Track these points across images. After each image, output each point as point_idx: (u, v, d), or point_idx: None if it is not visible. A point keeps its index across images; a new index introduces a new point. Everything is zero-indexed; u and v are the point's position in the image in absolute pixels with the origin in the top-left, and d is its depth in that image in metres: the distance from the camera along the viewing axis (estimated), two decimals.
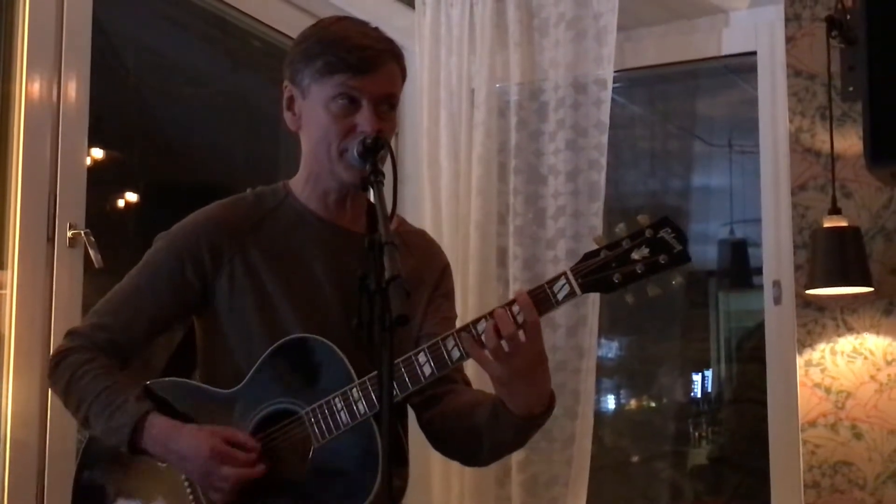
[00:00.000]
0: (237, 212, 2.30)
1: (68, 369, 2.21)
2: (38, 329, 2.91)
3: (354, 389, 2.07)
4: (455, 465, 3.88)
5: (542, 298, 2.01)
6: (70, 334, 2.28)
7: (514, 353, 1.98)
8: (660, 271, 1.98)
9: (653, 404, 5.17)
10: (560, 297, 2.01)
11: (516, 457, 3.82)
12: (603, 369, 4.66)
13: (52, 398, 2.89)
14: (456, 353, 2.04)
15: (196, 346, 2.34)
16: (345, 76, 2.14)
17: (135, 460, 2.20)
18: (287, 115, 2.27)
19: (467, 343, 2.02)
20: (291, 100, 2.25)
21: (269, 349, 2.16)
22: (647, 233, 1.99)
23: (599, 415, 4.51)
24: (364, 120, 2.14)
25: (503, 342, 1.98)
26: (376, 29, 2.24)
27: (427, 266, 2.37)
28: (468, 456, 2.32)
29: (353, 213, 2.26)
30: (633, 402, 5.25)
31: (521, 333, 1.98)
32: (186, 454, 2.11)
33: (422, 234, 2.49)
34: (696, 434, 5.08)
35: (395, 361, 1.99)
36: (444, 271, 2.42)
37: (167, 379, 2.29)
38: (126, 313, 2.26)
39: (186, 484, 2.18)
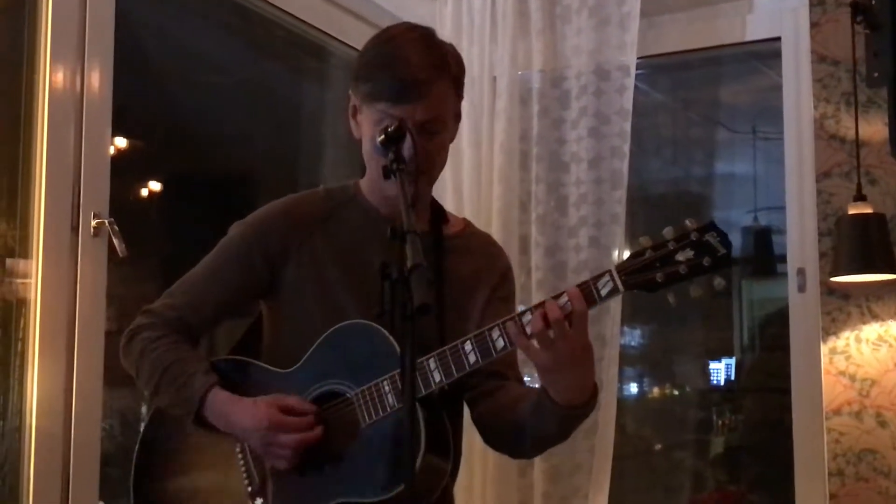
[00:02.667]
0: (307, 205, 2.40)
1: (140, 343, 2.33)
2: (63, 319, 2.92)
3: None
4: (477, 455, 3.89)
5: (585, 293, 2.04)
6: (144, 312, 2.39)
7: (559, 340, 2.01)
8: (703, 273, 2.02)
9: (675, 392, 5.16)
10: (603, 293, 2.04)
11: None
12: (625, 358, 4.65)
13: (76, 388, 2.91)
14: (500, 343, 2.08)
15: (262, 332, 2.44)
16: (386, 104, 2.20)
17: (194, 433, 2.30)
18: (351, 123, 2.35)
19: (512, 331, 2.06)
20: (355, 109, 2.33)
21: (326, 333, 2.24)
22: (693, 236, 2.03)
23: (622, 403, 4.50)
24: (405, 147, 2.16)
25: (550, 331, 2.01)
26: (429, 46, 2.26)
27: (487, 268, 2.43)
28: (514, 449, 2.38)
29: (419, 214, 2.28)
30: (655, 391, 5.24)
31: (567, 323, 2.01)
32: (247, 426, 2.21)
33: (485, 237, 2.56)
34: (719, 422, 5.06)
35: (443, 349, 2.10)
36: (505, 275, 2.47)
37: (230, 357, 2.41)
38: (197, 295, 2.38)
39: (240, 456, 2.29)
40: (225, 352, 2.47)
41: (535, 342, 2.04)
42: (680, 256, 2.02)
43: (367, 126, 2.26)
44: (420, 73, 2.20)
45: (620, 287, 2.04)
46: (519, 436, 2.24)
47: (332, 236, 2.34)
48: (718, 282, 2.03)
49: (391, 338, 2.14)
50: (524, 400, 2.22)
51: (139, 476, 2.39)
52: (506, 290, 2.45)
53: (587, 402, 2.13)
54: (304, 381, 2.25)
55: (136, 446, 2.42)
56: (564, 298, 2.03)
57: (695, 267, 2.01)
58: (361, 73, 2.26)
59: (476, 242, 2.47)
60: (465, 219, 2.54)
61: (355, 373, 2.19)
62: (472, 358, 2.10)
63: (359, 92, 2.27)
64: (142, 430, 2.45)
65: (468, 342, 2.10)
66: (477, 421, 2.37)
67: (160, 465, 2.39)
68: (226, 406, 2.24)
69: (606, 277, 2.04)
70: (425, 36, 2.28)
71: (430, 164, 2.26)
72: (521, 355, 2.19)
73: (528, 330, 2.04)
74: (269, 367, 2.33)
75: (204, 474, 2.35)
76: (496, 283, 2.42)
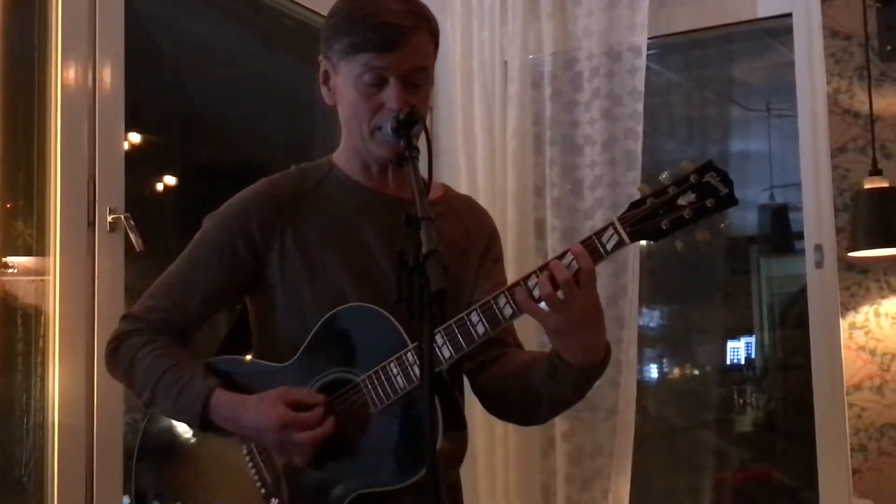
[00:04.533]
0: (284, 187, 2.30)
1: (128, 352, 2.22)
2: (82, 314, 2.93)
3: (409, 354, 2.07)
4: (499, 437, 3.90)
5: (590, 249, 1.99)
6: (125, 318, 2.30)
7: (569, 300, 1.97)
8: (708, 215, 1.97)
9: (696, 372, 5.16)
10: (609, 247, 2.00)
11: (560, 427, 3.83)
12: (645, 339, 4.65)
13: (98, 382, 2.93)
14: (508, 311, 2.02)
15: (248, 329, 2.35)
16: (369, 55, 2.12)
17: (200, 437, 2.24)
18: (323, 90, 2.27)
19: (520, 297, 2.00)
20: (326, 74, 2.25)
21: (322, 320, 2.17)
22: (693, 178, 1.97)
23: (642, 384, 4.51)
24: (391, 97, 2.12)
25: (559, 292, 1.96)
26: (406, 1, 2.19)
27: (476, 231, 2.38)
28: (524, 415, 2.30)
29: (397, 180, 2.25)
30: (675, 371, 5.24)
31: (575, 283, 1.97)
32: (259, 427, 2.12)
33: (467, 200, 2.49)
34: (741, 401, 5.06)
35: (449, 322, 2.02)
36: (493, 236, 2.42)
37: (223, 357, 2.31)
38: (179, 293, 2.27)
39: (248, 458, 2.20)
40: (210, 353, 2.35)
41: (543, 305, 1.99)
42: (682, 201, 1.97)
43: (347, 84, 2.17)
44: (403, 20, 2.12)
45: (626, 238, 1.99)
46: (534, 401, 2.19)
47: (314, 215, 2.25)
48: (701, 233, 1.98)
49: (391, 317, 2.09)
50: (534, 364, 2.16)
51: (141, 485, 2.34)
52: (496, 251, 2.40)
53: (602, 360, 2.10)
54: (306, 371, 2.17)
55: (136, 450, 2.35)
56: (569, 257, 1.98)
57: (699, 209, 1.96)
58: (338, 30, 2.16)
59: (459, 206, 2.39)
60: (443, 184, 2.45)
61: (358, 358, 2.14)
62: (480, 329, 2.03)
63: (334, 50, 2.18)
64: (140, 434, 2.36)
65: (474, 313, 2.04)
66: (480, 390, 2.30)
67: (163, 473, 2.32)
68: (233, 408, 2.15)
69: (610, 231, 2.00)
70: None
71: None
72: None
73: (536, 294, 1.99)
74: (265, 362, 2.25)
75: (212, 481, 2.27)
76: (486, 245, 2.37)
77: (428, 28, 2.19)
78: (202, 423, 2.16)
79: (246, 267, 2.26)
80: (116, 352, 2.25)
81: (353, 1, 2.18)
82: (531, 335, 3.87)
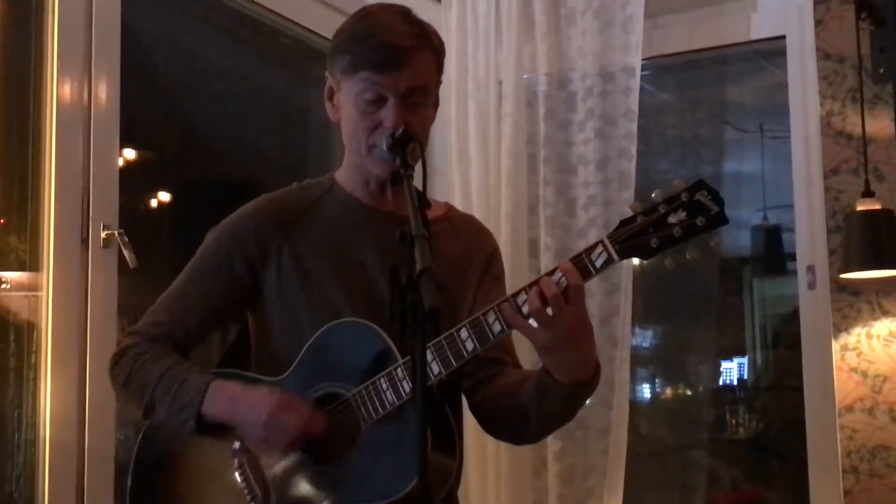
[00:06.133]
0: (284, 203, 2.33)
1: (128, 363, 2.24)
2: (75, 330, 2.93)
3: (399, 369, 2.07)
4: (491, 457, 3.89)
5: (580, 266, 2.00)
6: (129, 334, 2.31)
7: (557, 316, 1.96)
8: (698, 233, 1.96)
9: (688, 392, 5.16)
10: (598, 264, 2.00)
11: (552, 447, 3.82)
12: (637, 358, 4.66)
13: (90, 399, 2.92)
14: (497, 327, 2.02)
15: (249, 342, 2.36)
16: (368, 73, 2.15)
17: (192, 446, 2.24)
18: (327, 105, 2.30)
19: (508, 313, 2.00)
20: (331, 91, 2.28)
21: (315, 335, 2.18)
22: (684, 196, 1.97)
23: (635, 404, 4.51)
24: (388, 116, 2.14)
25: (548, 308, 1.96)
26: (408, 20, 2.22)
27: (476, 249, 2.39)
28: (516, 434, 2.31)
29: (396, 198, 2.25)
30: (668, 391, 5.24)
31: (564, 299, 1.96)
32: (253, 405, 2.13)
33: (470, 219, 2.52)
34: (733, 421, 5.07)
35: (439, 339, 2.03)
36: (493, 254, 2.43)
37: (218, 370, 2.32)
38: (180, 308, 2.29)
39: (238, 472, 2.20)
40: (213, 365, 2.39)
41: (532, 322, 1.99)
42: (672, 219, 1.97)
43: (348, 101, 2.20)
44: (404, 41, 2.15)
45: (615, 256, 1.99)
46: (524, 420, 2.18)
47: (313, 231, 2.27)
48: (692, 252, 1.98)
49: (383, 333, 2.10)
50: (525, 382, 2.16)
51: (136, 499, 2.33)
52: (496, 269, 2.40)
53: (591, 377, 2.09)
54: (297, 387, 2.18)
55: (130, 469, 2.34)
56: (558, 274, 1.98)
57: (689, 228, 1.96)
58: (342, 47, 2.20)
59: (461, 225, 2.42)
60: (447, 203, 2.49)
61: (349, 373, 2.14)
62: (469, 345, 2.03)
63: (337, 67, 2.21)
64: (134, 452, 2.36)
65: (464, 329, 2.04)
66: (476, 409, 2.30)
67: (156, 487, 2.32)
68: (231, 392, 2.17)
69: (600, 248, 2.00)
70: (405, 11, 2.24)
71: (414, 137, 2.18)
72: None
73: (525, 310, 1.98)
74: (260, 375, 2.26)
75: (202, 494, 2.28)
76: (486, 264, 2.38)
77: (430, 48, 2.22)
78: (198, 422, 2.16)
79: (244, 281, 2.28)
80: (117, 365, 2.27)
81: (358, 21, 2.22)
82: (526, 353, 3.88)
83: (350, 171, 2.32)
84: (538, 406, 2.13)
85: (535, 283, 2.00)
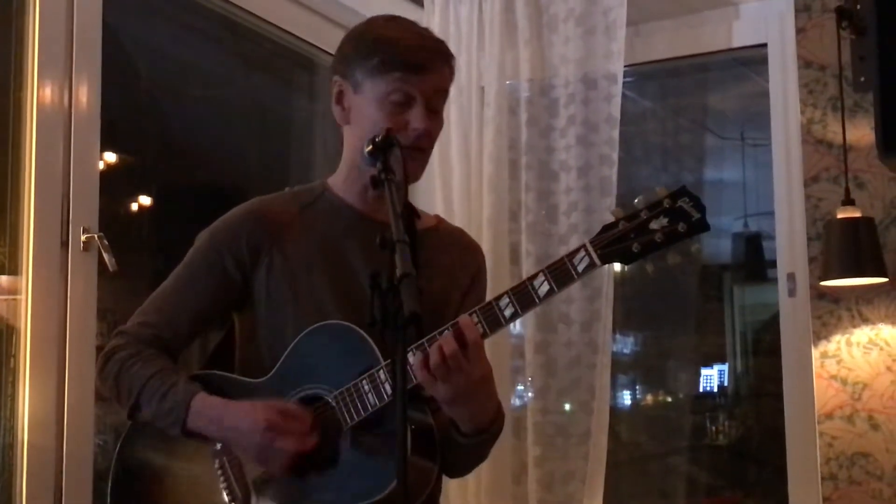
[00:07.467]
0: (276, 206, 2.34)
1: (116, 364, 2.24)
2: (54, 334, 2.92)
3: (381, 371, 2.09)
4: None
5: (562, 271, 2.03)
6: (118, 334, 2.32)
7: (455, 373, 1.99)
8: (679, 239, 1.99)
9: (669, 399, 5.17)
10: (580, 269, 2.03)
11: (532, 452, 3.82)
12: (618, 364, 4.66)
13: (68, 403, 2.91)
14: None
15: (234, 346, 2.36)
16: (400, 73, 2.18)
17: (176, 446, 2.24)
18: (336, 109, 2.30)
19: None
20: (341, 94, 2.29)
21: (298, 337, 2.19)
22: (666, 202, 2.00)
23: (615, 410, 4.51)
24: (416, 118, 2.18)
25: (447, 363, 1.98)
26: (428, 30, 2.29)
27: (460, 266, 2.40)
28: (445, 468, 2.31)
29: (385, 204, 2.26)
30: (648, 397, 5.25)
31: (463, 355, 1.98)
32: (243, 429, 2.13)
33: (459, 234, 2.52)
34: (713, 428, 5.08)
35: (421, 341, 2.03)
36: (477, 274, 2.44)
37: (202, 372, 2.32)
38: (170, 310, 2.30)
39: (219, 472, 2.21)
40: (196, 368, 2.38)
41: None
42: (654, 225, 1.99)
43: (371, 102, 2.21)
44: (432, 44, 2.23)
45: (597, 261, 2.02)
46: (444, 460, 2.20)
47: (303, 236, 2.28)
48: (673, 257, 2.00)
49: (364, 333, 2.11)
50: (442, 425, 2.17)
51: (116, 498, 2.34)
52: (479, 290, 2.41)
53: (492, 422, 2.13)
54: (280, 388, 2.19)
55: (112, 468, 2.34)
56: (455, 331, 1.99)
57: (670, 234, 1.99)
58: (367, 49, 2.21)
59: (449, 239, 2.44)
60: (437, 216, 2.50)
61: (330, 374, 2.15)
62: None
63: (359, 69, 2.22)
64: (116, 451, 2.36)
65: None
66: None
67: (137, 487, 2.32)
68: (217, 410, 2.16)
69: (582, 253, 2.03)
70: (416, 23, 2.31)
71: (431, 142, 2.25)
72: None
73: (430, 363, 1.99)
74: (243, 378, 2.26)
75: (183, 496, 2.28)
76: (468, 283, 2.39)
77: (449, 55, 2.28)
78: (184, 427, 2.17)
79: (234, 284, 2.29)
80: (106, 365, 2.27)
81: (379, 27, 2.27)
82: (504, 360, 3.88)
83: (347, 177, 2.34)
84: (449, 452, 2.17)
85: (456, 323, 2.01)
